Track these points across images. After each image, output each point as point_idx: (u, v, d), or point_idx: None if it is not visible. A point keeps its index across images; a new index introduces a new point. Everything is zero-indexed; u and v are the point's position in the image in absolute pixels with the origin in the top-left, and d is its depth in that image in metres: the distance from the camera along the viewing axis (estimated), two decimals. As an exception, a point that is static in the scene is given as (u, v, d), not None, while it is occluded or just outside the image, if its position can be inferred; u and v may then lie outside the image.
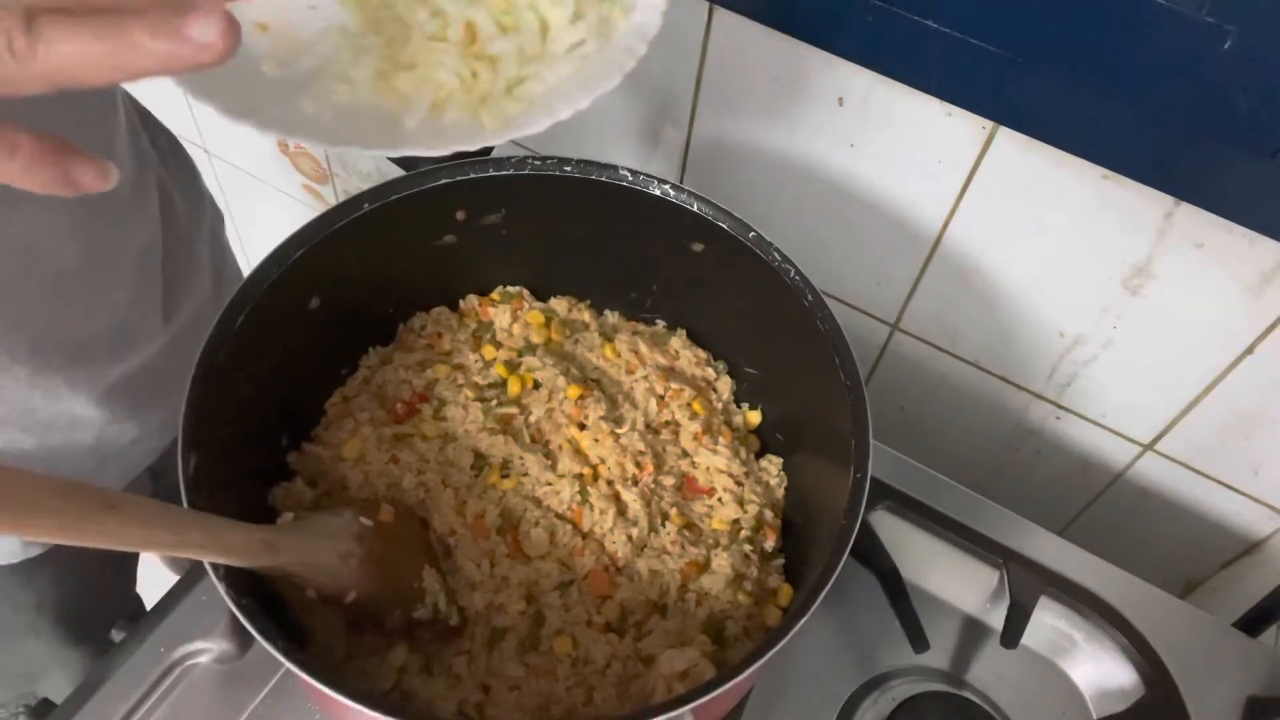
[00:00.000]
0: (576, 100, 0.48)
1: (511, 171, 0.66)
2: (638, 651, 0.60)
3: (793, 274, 0.63)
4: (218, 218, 0.83)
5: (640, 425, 0.69)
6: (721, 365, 0.75)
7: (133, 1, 0.30)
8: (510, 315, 0.73)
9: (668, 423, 0.70)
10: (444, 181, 0.65)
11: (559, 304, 0.76)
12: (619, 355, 0.73)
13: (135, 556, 0.88)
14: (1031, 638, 0.71)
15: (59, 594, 0.76)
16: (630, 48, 0.50)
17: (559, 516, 0.64)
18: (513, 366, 0.70)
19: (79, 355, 0.62)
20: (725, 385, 0.74)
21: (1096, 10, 0.57)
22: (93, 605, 0.80)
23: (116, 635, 0.78)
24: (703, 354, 0.75)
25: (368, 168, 1.21)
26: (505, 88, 0.49)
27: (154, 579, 0.89)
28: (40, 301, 0.59)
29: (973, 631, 0.74)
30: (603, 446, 0.66)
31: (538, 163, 0.66)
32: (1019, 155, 0.69)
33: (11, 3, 0.30)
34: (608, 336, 0.74)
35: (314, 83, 0.48)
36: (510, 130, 0.47)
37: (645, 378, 0.71)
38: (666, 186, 0.66)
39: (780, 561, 0.67)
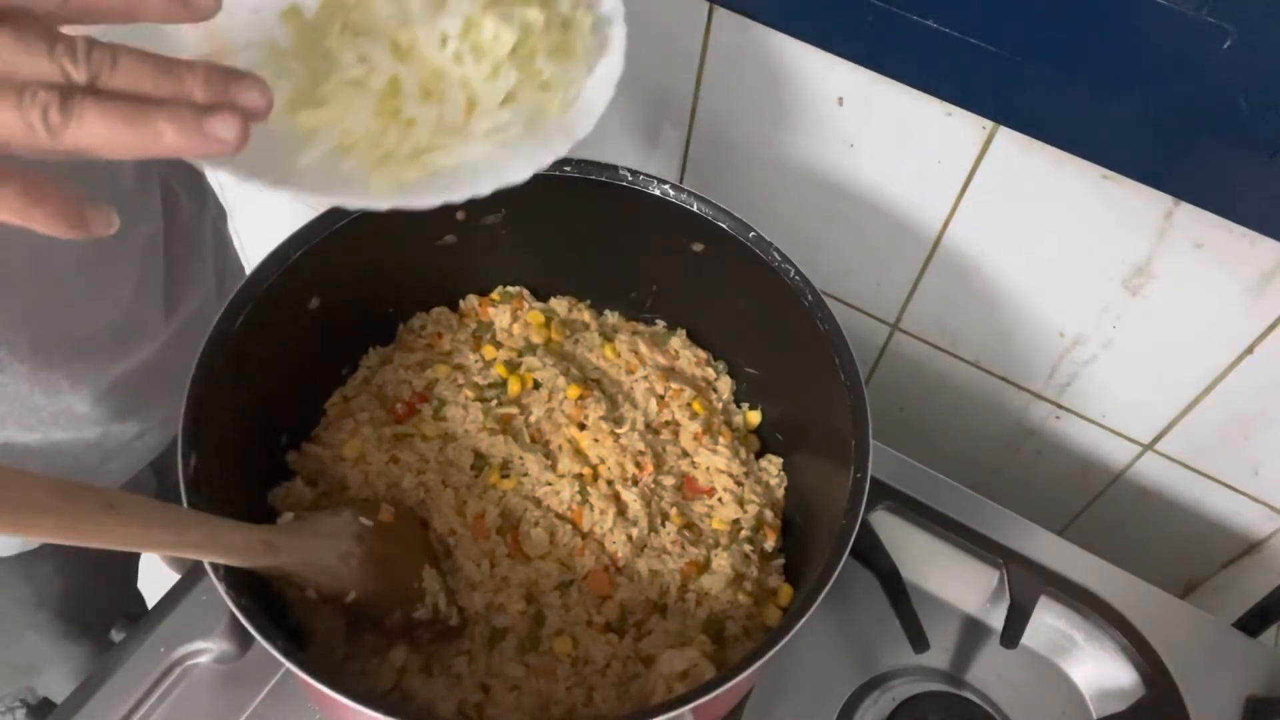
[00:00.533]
0: (478, 184, 0.46)
1: (511, 171, 0.65)
2: (638, 651, 0.60)
3: (793, 274, 0.63)
4: (220, 213, 0.83)
5: (640, 425, 0.69)
6: (721, 365, 0.75)
7: (157, 88, 0.33)
8: (510, 315, 0.73)
9: (668, 423, 0.70)
10: (444, 181, 0.64)
11: (559, 304, 0.76)
12: (619, 355, 0.73)
13: (136, 553, 0.88)
14: (1031, 638, 0.71)
15: (59, 588, 0.76)
16: (552, 144, 0.48)
17: (559, 516, 0.64)
18: (513, 366, 0.70)
19: (80, 352, 0.62)
20: (725, 385, 0.74)
21: (1096, 10, 0.57)
22: (93, 600, 0.80)
23: (116, 635, 0.78)
24: (703, 354, 0.75)
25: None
26: (411, 153, 0.47)
27: (154, 579, 0.89)
28: (42, 299, 0.59)
29: (973, 631, 0.74)
30: (603, 446, 0.66)
31: (538, 163, 0.65)
32: (1019, 155, 0.69)
33: (49, 77, 0.32)
34: (608, 336, 0.74)
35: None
36: (397, 198, 0.45)
37: (645, 378, 0.71)
38: (666, 186, 0.66)
39: (780, 561, 0.67)
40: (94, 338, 0.64)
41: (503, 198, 0.45)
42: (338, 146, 0.46)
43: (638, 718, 0.49)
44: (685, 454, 0.69)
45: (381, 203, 0.44)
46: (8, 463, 0.62)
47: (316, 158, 0.45)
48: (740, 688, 0.55)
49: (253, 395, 0.61)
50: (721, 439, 0.70)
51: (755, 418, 0.74)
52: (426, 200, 0.45)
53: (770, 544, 0.67)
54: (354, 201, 0.43)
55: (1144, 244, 0.69)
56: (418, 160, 0.46)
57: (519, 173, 0.47)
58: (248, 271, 0.60)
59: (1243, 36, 0.54)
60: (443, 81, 0.47)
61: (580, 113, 0.50)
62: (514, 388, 0.68)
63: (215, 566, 0.49)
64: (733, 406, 0.74)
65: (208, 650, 0.64)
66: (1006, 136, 0.69)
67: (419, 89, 0.46)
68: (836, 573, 0.52)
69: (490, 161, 0.48)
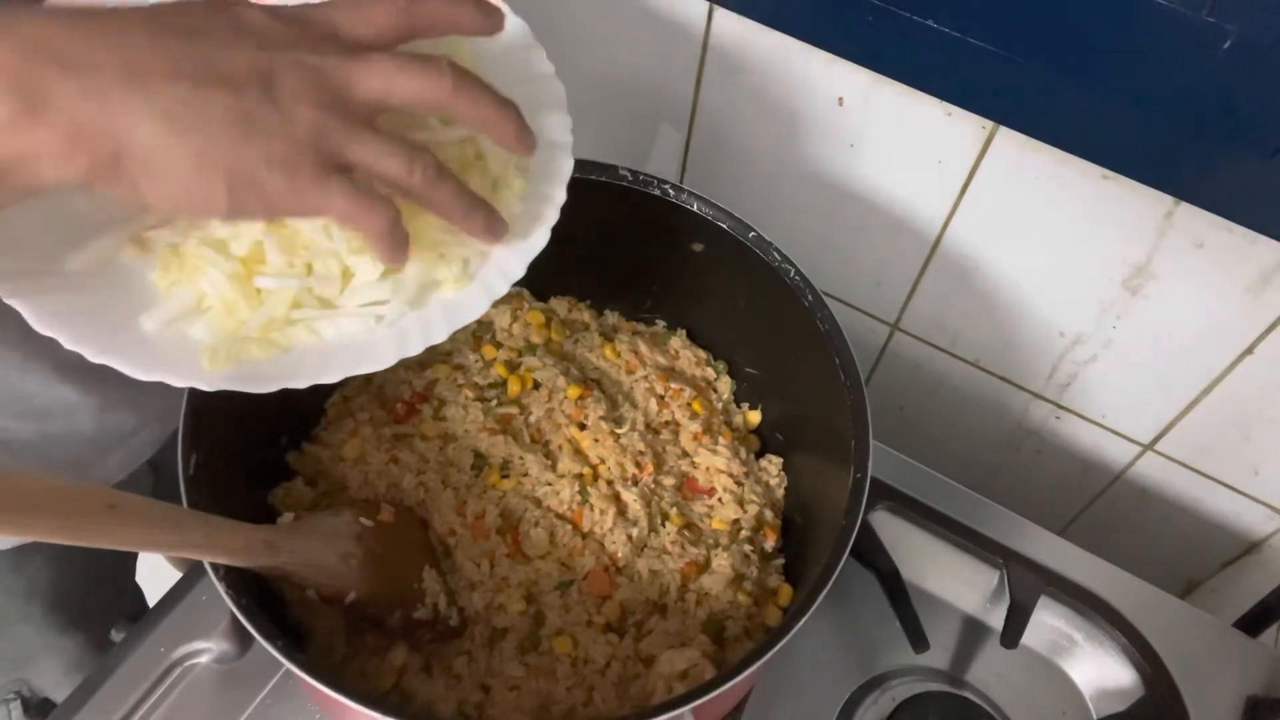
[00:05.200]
0: (326, 370, 0.43)
1: (511, 171, 0.66)
2: (638, 651, 0.60)
3: (793, 274, 0.63)
4: None
5: (640, 425, 0.69)
6: (721, 365, 0.75)
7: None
8: (510, 315, 0.73)
9: (668, 423, 0.70)
10: (444, 181, 0.64)
11: (559, 304, 0.76)
12: (619, 355, 0.73)
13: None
14: (1031, 638, 0.71)
15: (51, 580, 0.76)
16: (428, 327, 0.45)
17: (559, 516, 0.64)
18: (513, 366, 0.70)
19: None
20: (725, 385, 0.74)
21: (1097, 10, 0.57)
22: (86, 592, 0.80)
23: (116, 635, 0.78)
24: (703, 354, 0.75)
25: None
26: (265, 324, 0.43)
27: (154, 579, 0.89)
28: None
29: (973, 631, 0.74)
30: (603, 446, 0.66)
31: (538, 163, 0.65)
32: (1019, 155, 0.69)
33: (396, 179, 0.40)
34: (608, 336, 0.74)
35: (96, 235, 0.44)
36: (227, 380, 0.42)
37: (645, 378, 0.71)
38: (666, 186, 0.66)
39: (780, 561, 0.67)
40: None
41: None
42: (190, 310, 0.44)
43: (638, 718, 0.49)
44: (685, 454, 0.69)
45: (207, 383, 0.42)
46: (7, 459, 0.62)
47: (162, 320, 0.43)
48: (740, 688, 0.55)
49: (253, 396, 0.60)
50: (721, 439, 0.70)
51: (755, 418, 0.74)
52: (259, 386, 0.42)
53: (770, 544, 0.67)
54: (180, 380, 0.42)
55: (1144, 244, 0.69)
56: (268, 336, 0.43)
57: (379, 359, 0.43)
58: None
59: (1243, 36, 0.54)
60: (312, 252, 0.44)
61: (476, 290, 0.46)
62: (514, 388, 0.68)
63: (215, 566, 0.48)
64: (733, 406, 0.74)
65: (208, 650, 0.64)
66: (1006, 136, 0.69)
67: (283, 258, 0.43)
68: (836, 573, 0.52)
69: (350, 343, 0.44)
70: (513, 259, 0.46)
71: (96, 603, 0.82)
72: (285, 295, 0.43)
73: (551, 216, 0.47)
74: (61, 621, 0.78)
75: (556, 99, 0.50)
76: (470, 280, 0.46)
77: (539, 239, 0.47)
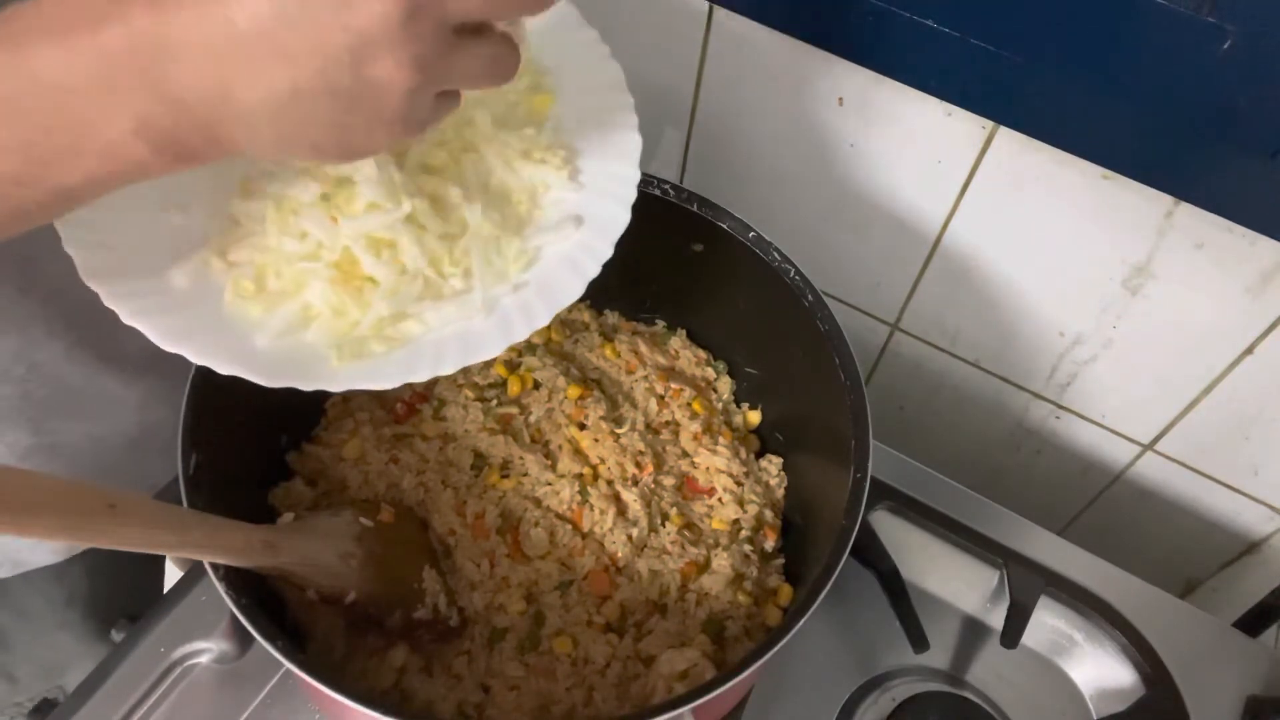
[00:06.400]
0: (442, 363, 0.43)
1: (511, 171, 0.65)
2: (638, 651, 0.60)
3: (793, 274, 0.63)
4: None
5: (640, 425, 0.69)
6: (721, 365, 0.75)
7: None
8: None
9: (668, 423, 0.70)
10: (444, 181, 0.64)
11: (559, 304, 0.76)
12: (619, 355, 0.73)
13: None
14: (1031, 638, 0.71)
15: (89, 588, 0.76)
16: (529, 313, 0.45)
17: (559, 516, 0.64)
18: (513, 366, 0.70)
19: (115, 328, 0.62)
20: (725, 385, 0.74)
21: (1096, 10, 0.57)
22: (122, 598, 0.81)
23: (116, 635, 0.78)
24: (703, 354, 0.75)
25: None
26: (376, 323, 0.44)
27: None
28: (73, 272, 0.59)
29: (973, 631, 0.74)
30: (603, 446, 0.66)
31: (538, 163, 0.65)
32: (1019, 155, 0.69)
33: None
34: (608, 336, 0.74)
35: (193, 248, 0.45)
36: (357, 379, 0.43)
37: (645, 378, 0.71)
38: (666, 186, 0.66)
39: (780, 561, 0.67)
40: None
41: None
42: (299, 321, 0.44)
43: (638, 718, 0.49)
44: (685, 454, 0.69)
45: (335, 384, 0.42)
46: (59, 467, 0.62)
47: (273, 335, 0.44)
48: (740, 688, 0.55)
49: (253, 395, 0.60)
50: (721, 439, 0.69)
51: (755, 418, 0.74)
52: (385, 381, 0.43)
53: (770, 544, 0.67)
54: (308, 383, 0.42)
55: (1144, 244, 0.69)
56: (383, 333, 0.44)
57: (488, 348, 0.44)
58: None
59: (1243, 36, 0.54)
60: (399, 249, 0.44)
61: (569, 273, 0.47)
62: (514, 388, 0.68)
63: (215, 566, 0.49)
64: (733, 406, 0.74)
65: (208, 650, 0.64)
66: (1006, 136, 0.69)
67: (372, 258, 0.44)
68: (836, 573, 0.52)
69: (459, 333, 0.45)
70: (598, 240, 0.47)
71: (130, 607, 0.83)
72: (389, 281, 0.44)
73: (630, 195, 0.48)
74: (98, 628, 0.79)
75: (616, 80, 0.52)
76: (535, 262, 0.47)
77: (622, 218, 0.48)
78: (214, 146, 0.35)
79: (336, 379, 0.43)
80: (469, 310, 0.46)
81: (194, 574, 0.68)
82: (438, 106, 0.37)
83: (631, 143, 0.50)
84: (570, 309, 0.76)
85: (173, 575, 0.84)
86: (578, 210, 0.49)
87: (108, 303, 0.41)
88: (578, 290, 0.46)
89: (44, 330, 0.58)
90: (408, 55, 0.33)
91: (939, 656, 0.72)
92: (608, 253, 0.47)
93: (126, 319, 0.41)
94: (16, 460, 0.61)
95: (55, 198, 0.36)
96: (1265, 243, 0.64)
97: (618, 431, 0.67)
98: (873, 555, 0.73)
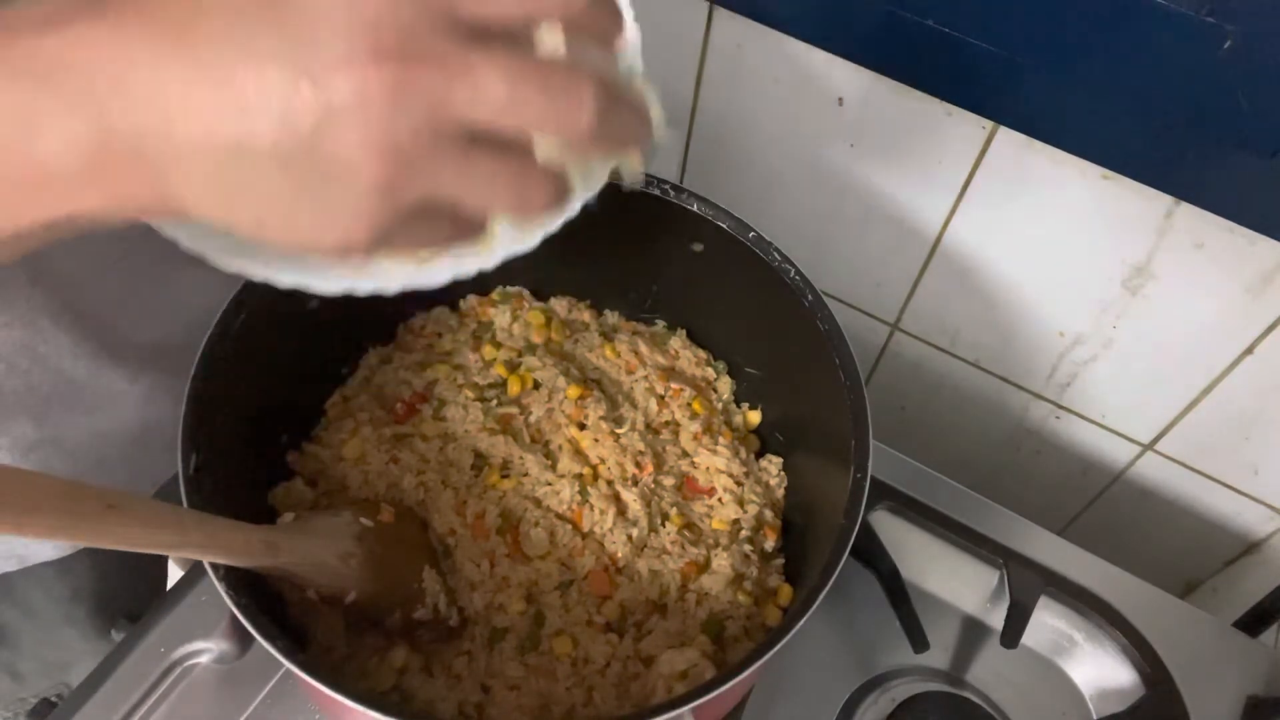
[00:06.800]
0: (490, 255, 0.41)
1: (511, 171, 0.66)
2: (638, 651, 0.60)
3: (793, 274, 0.63)
4: None
5: (640, 425, 0.69)
6: (721, 365, 0.75)
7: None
8: (510, 315, 0.73)
9: (668, 423, 0.70)
10: (444, 181, 0.64)
11: (559, 304, 0.76)
12: (619, 355, 0.73)
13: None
14: (1031, 638, 0.71)
15: (93, 583, 0.76)
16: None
17: (559, 516, 0.64)
18: (513, 366, 0.70)
19: (119, 323, 0.63)
20: (725, 385, 0.74)
21: (1097, 10, 0.57)
22: (127, 594, 0.81)
23: (116, 635, 0.78)
24: (703, 354, 0.75)
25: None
26: None
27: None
28: (88, 261, 0.59)
29: (973, 631, 0.74)
30: (603, 446, 0.66)
31: (538, 163, 0.65)
32: (1019, 155, 0.69)
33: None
34: (608, 336, 0.74)
35: None
36: (409, 275, 0.40)
37: (645, 378, 0.71)
38: (666, 186, 0.66)
39: (780, 561, 0.67)
40: (132, 305, 0.64)
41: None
42: None
43: (638, 718, 0.49)
44: (685, 454, 0.69)
45: (394, 284, 0.40)
46: (62, 464, 0.63)
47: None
48: (740, 688, 0.55)
49: (253, 395, 0.60)
50: (721, 439, 0.69)
51: (755, 418, 0.74)
52: (437, 276, 0.41)
53: (770, 544, 0.67)
54: (366, 285, 0.40)
55: (1144, 244, 0.69)
56: None
57: (529, 239, 0.42)
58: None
59: (1243, 36, 0.54)
60: None
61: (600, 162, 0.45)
62: (514, 388, 0.68)
63: (215, 566, 0.48)
64: (733, 406, 0.74)
65: (208, 650, 0.64)
66: (1006, 136, 0.69)
67: None
68: (836, 573, 0.52)
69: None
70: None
71: (136, 604, 0.83)
72: None
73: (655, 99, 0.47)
74: (102, 625, 0.79)
75: None
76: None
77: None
78: (158, 192, 0.29)
79: (391, 278, 0.40)
80: None
81: (194, 574, 0.68)
82: (420, 225, 0.30)
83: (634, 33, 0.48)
84: (570, 309, 0.76)
85: (176, 572, 0.84)
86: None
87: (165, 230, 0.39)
88: (601, 179, 0.45)
89: (50, 323, 0.58)
90: (381, 139, 0.27)
91: (939, 656, 0.72)
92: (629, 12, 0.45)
93: (186, 244, 0.38)
94: (21, 454, 0.61)
95: None
96: (1265, 243, 0.64)
97: (618, 431, 0.67)
98: (873, 555, 0.73)
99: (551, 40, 0.30)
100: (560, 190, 0.31)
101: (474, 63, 0.28)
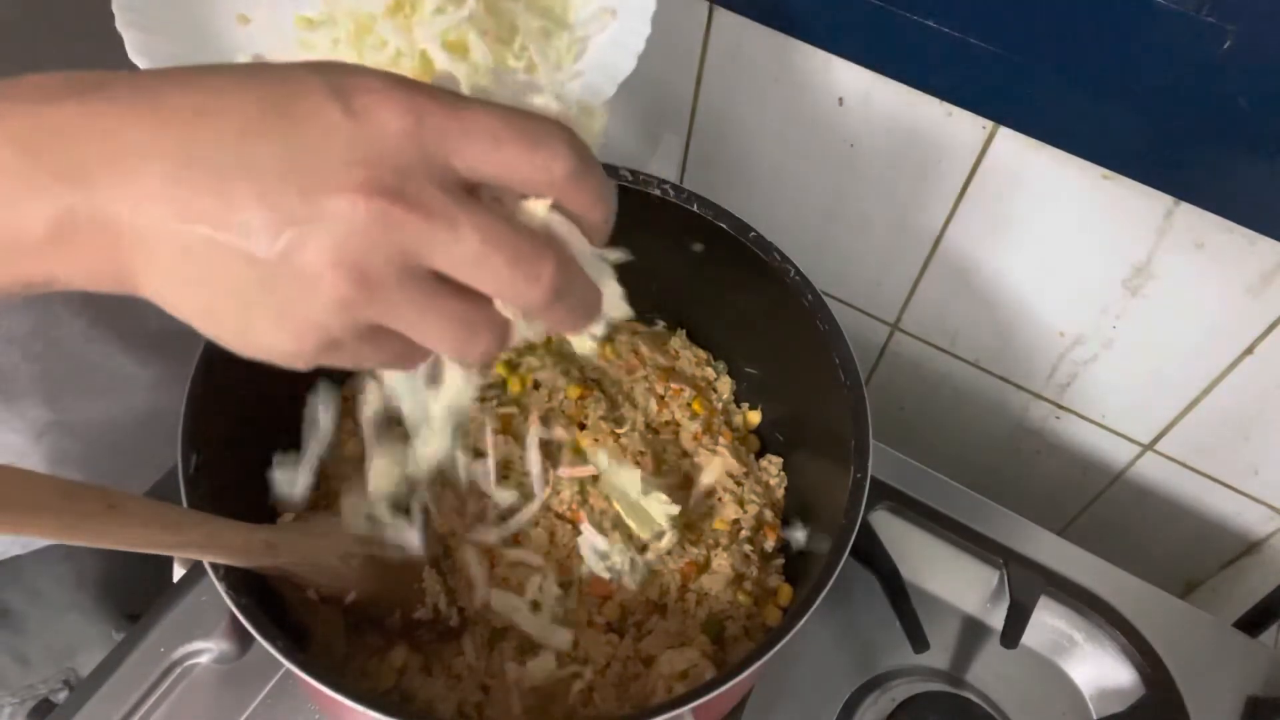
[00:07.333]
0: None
1: (511, 171, 0.66)
2: (638, 651, 0.60)
3: (793, 274, 0.63)
4: None
5: (640, 425, 0.68)
6: (721, 365, 0.75)
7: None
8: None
9: (668, 423, 0.70)
10: (444, 181, 0.64)
11: (559, 304, 0.76)
12: (619, 355, 0.73)
13: None
14: (1031, 638, 0.71)
15: (100, 568, 0.76)
16: (595, 89, 0.49)
17: (559, 516, 0.64)
18: (513, 366, 0.70)
19: (129, 305, 0.63)
20: (725, 385, 0.74)
21: (1097, 10, 0.57)
22: (134, 580, 0.81)
23: (116, 635, 0.78)
24: (703, 354, 0.75)
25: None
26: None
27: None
28: None
29: (973, 631, 0.74)
30: (603, 446, 0.66)
31: (538, 163, 0.65)
32: (1019, 155, 0.69)
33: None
34: (608, 336, 0.74)
35: None
36: None
37: (645, 378, 0.71)
38: (666, 186, 0.66)
39: (780, 561, 0.67)
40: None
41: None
42: None
43: (637, 718, 0.49)
44: (685, 454, 0.69)
45: None
46: (73, 445, 0.63)
47: None
48: (740, 688, 0.55)
49: (253, 395, 0.60)
50: (721, 439, 0.69)
51: (755, 418, 0.74)
52: None
53: (770, 544, 0.67)
54: None
55: (1144, 244, 0.69)
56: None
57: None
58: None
59: (1243, 36, 0.54)
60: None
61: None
62: (514, 387, 0.68)
63: (215, 566, 0.48)
64: (733, 406, 0.74)
65: (208, 650, 0.64)
66: (1006, 136, 0.69)
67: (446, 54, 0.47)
68: (836, 573, 0.52)
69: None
70: (636, 21, 0.51)
71: (144, 592, 0.83)
72: (470, 82, 0.45)
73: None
74: (109, 611, 0.79)
75: None
76: (584, 52, 0.50)
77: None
78: (117, 268, 0.30)
79: None
80: (539, 99, 0.47)
81: (194, 574, 0.68)
82: (369, 346, 0.31)
83: None
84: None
85: (181, 561, 0.84)
86: (608, 3, 0.52)
87: None
88: (630, 63, 0.49)
89: (64, 306, 0.59)
90: (352, 261, 0.28)
91: (939, 656, 0.72)
92: (647, 30, 0.50)
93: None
94: (34, 437, 0.62)
95: None
96: (1265, 243, 0.64)
97: (618, 431, 0.67)
98: (873, 555, 0.73)
99: (536, 208, 0.32)
100: (503, 339, 0.33)
101: (456, 217, 0.29)
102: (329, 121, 0.28)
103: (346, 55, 0.47)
